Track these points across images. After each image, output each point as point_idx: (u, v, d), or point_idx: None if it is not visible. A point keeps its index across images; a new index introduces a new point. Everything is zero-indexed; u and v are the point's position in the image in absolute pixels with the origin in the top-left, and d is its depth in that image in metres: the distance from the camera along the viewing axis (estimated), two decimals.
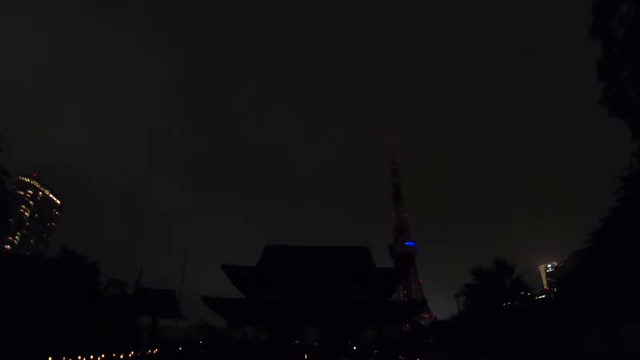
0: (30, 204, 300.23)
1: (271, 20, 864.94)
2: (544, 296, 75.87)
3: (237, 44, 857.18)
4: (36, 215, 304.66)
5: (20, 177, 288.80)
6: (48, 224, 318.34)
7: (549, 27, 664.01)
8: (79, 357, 35.29)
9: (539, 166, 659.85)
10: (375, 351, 74.01)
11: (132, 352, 46.40)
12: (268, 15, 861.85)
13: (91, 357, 37.26)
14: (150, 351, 53.15)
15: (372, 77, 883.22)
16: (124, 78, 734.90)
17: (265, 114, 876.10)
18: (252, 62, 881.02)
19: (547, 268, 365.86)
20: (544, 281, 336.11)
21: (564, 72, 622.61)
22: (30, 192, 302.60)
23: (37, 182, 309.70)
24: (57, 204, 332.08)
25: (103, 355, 39.30)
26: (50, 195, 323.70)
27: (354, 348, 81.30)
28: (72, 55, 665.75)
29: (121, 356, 43.03)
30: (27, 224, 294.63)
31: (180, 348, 61.23)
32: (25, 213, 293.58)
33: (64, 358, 32.96)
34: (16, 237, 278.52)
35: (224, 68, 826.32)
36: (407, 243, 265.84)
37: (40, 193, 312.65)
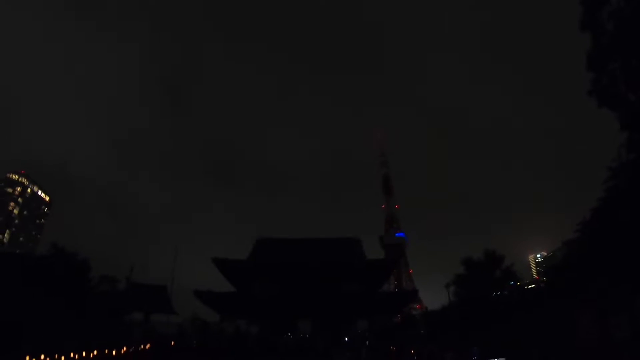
0: (19, 201, 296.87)
1: (259, 17, 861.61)
2: (533, 286, 76.58)
3: (218, 41, 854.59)
4: (25, 212, 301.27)
5: (8, 174, 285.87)
6: (37, 221, 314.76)
7: (539, 22, 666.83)
8: (71, 354, 35.18)
9: (529, 157, 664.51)
10: (367, 342, 74.45)
11: (125, 348, 46.29)
12: (256, 12, 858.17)
13: (84, 353, 37.13)
14: (142, 347, 53.02)
15: (359, 74, 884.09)
16: (106, 74, 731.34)
17: (250, 109, 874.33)
18: (240, 59, 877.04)
19: (537, 258, 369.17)
20: (534, 271, 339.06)
21: (555, 64, 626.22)
22: (19, 189, 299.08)
23: (25, 178, 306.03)
24: (46, 200, 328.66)
25: (95, 352, 39.17)
26: (39, 192, 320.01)
27: (346, 339, 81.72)
28: (52, 53, 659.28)
29: (114, 352, 42.91)
30: (16, 221, 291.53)
31: (172, 343, 61.13)
32: (14, 210, 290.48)
33: (56, 355, 32.85)
34: (5, 235, 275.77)
35: (206, 65, 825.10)
36: (397, 234, 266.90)
37: (29, 190, 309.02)
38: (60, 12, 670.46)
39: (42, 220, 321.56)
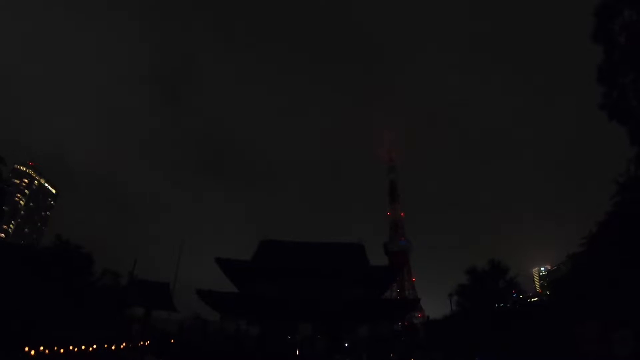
0: (25, 192, 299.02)
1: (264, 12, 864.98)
2: (536, 299, 76.19)
3: (216, 38, 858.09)
4: (31, 204, 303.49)
5: (16, 166, 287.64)
6: (43, 213, 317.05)
7: (543, 21, 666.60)
8: (71, 347, 35.28)
9: (537, 169, 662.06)
10: (368, 349, 74.09)
11: (125, 343, 46.42)
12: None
13: (83, 346, 37.24)
14: (142, 342, 53.15)
15: (358, 74, 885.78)
16: (105, 69, 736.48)
17: (251, 109, 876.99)
18: (248, 59, 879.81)
19: (540, 271, 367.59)
20: (537, 284, 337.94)
21: (565, 75, 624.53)
22: (26, 180, 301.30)
23: (33, 170, 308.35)
24: (53, 193, 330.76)
25: (95, 346, 39.28)
26: (46, 184, 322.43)
27: (346, 345, 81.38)
28: (50, 48, 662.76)
29: (113, 347, 43.03)
30: (22, 212, 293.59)
31: (172, 340, 61.21)
32: (21, 202, 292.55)
33: (55, 347, 32.94)
34: (10, 225, 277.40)
35: (204, 64, 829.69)
36: (401, 241, 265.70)
37: (36, 182, 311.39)
38: (57, 8, 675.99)
39: (48, 213, 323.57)
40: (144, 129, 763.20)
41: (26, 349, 29.93)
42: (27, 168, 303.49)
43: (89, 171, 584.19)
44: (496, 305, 47.77)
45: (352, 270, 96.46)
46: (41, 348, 31.11)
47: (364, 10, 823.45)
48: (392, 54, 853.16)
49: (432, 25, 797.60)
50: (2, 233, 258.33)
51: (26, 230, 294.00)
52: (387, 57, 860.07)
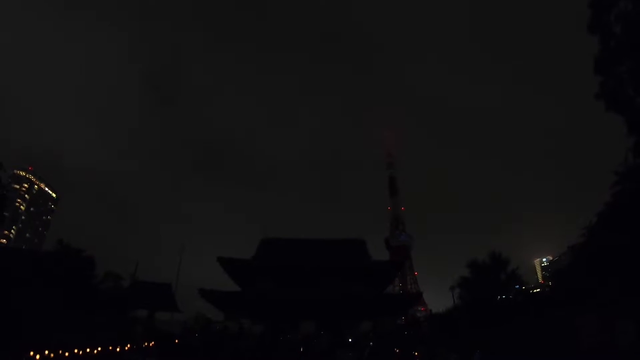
0: (26, 197, 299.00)
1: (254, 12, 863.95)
2: (538, 290, 76.19)
3: (199, 35, 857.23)
4: (32, 209, 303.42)
5: (15, 171, 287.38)
6: (44, 217, 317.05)
7: (541, 19, 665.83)
8: (75, 350, 35.33)
9: (537, 160, 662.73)
10: (371, 344, 74.16)
11: (128, 345, 46.47)
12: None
13: (87, 349, 37.30)
14: (146, 344, 53.19)
15: (354, 74, 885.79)
16: (100, 69, 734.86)
17: (250, 110, 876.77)
18: (232, 58, 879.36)
19: (542, 262, 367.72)
20: (539, 275, 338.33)
21: (562, 67, 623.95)
22: (26, 185, 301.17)
23: (32, 175, 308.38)
24: (53, 197, 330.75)
25: (100, 348, 39.34)
26: (46, 189, 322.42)
27: (350, 340, 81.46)
28: (46, 49, 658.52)
29: (117, 349, 43.08)
30: (23, 217, 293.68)
31: (176, 341, 61.20)
32: (21, 207, 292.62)
33: (60, 351, 33.00)
34: (12, 231, 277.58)
35: (204, 64, 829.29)
36: (402, 236, 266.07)
37: (36, 187, 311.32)
38: (52, 12, 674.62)
39: (49, 217, 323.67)
40: (143, 130, 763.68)
41: (31, 352, 29.96)
42: (26, 173, 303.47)
43: (89, 173, 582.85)
44: (498, 297, 47.85)
45: (354, 266, 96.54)
46: (46, 352, 31.17)
47: (364, 10, 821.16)
48: (392, 53, 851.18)
49: (432, 25, 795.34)
50: (3, 239, 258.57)
51: (27, 235, 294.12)
52: (387, 56, 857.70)
